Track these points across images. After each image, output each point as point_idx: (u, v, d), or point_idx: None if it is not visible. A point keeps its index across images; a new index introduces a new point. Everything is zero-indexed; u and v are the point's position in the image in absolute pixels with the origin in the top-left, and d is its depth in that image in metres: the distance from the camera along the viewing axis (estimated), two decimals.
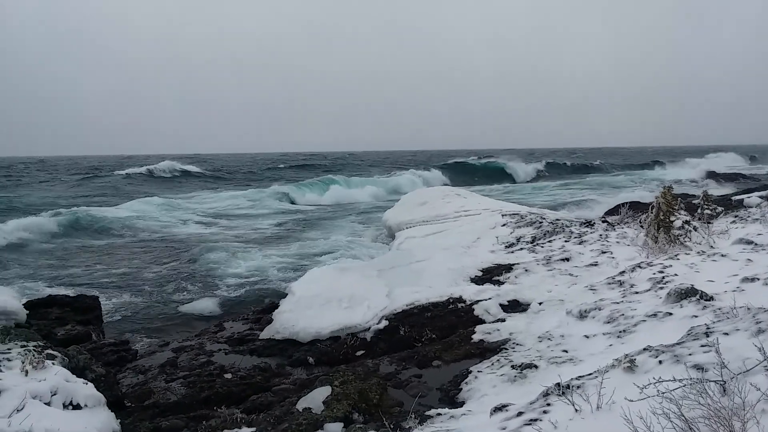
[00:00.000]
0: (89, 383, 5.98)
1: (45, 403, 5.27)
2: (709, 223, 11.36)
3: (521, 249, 12.83)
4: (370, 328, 8.94)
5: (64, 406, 5.45)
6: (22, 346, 6.37)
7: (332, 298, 9.88)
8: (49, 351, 6.43)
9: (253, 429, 5.93)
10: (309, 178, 53.21)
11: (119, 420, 6.08)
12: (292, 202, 39.70)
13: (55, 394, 5.42)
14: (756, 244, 9.03)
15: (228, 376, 7.79)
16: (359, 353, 8.49)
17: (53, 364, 5.96)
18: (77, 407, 5.55)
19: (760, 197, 18.85)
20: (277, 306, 10.37)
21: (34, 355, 5.86)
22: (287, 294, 10.77)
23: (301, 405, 6.19)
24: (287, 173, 68.70)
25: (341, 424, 5.72)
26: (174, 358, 8.86)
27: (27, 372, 5.57)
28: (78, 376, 6.06)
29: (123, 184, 52.40)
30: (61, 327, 9.63)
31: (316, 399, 6.21)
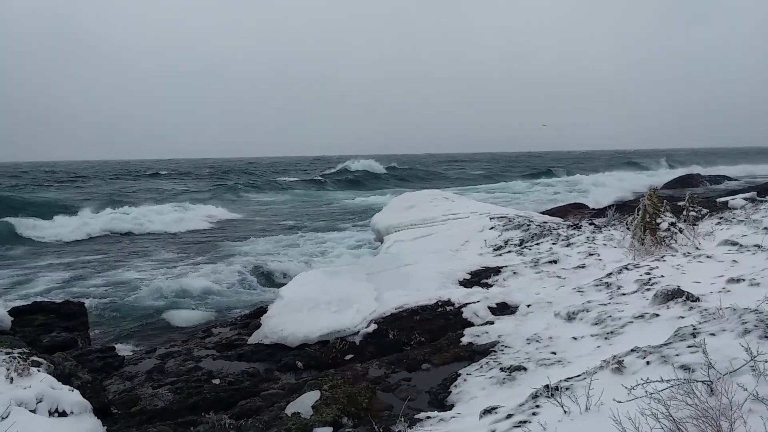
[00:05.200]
0: (75, 390, 5.92)
1: (30, 411, 5.21)
2: (694, 224, 11.45)
3: (509, 252, 12.86)
4: (359, 331, 8.92)
5: (50, 414, 5.39)
6: (6, 353, 6.29)
7: (321, 301, 9.84)
8: (35, 358, 6.36)
9: None
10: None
11: (106, 427, 6.04)
12: None
13: (40, 401, 5.36)
14: (741, 246, 9.12)
15: (216, 381, 7.74)
16: (348, 357, 8.47)
17: (39, 371, 5.89)
18: (63, 414, 5.49)
19: (745, 199, 19.02)
20: (265, 310, 10.32)
21: (19, 362, 5.80)
22: (276, 298, 10.72)
23: (290, 410, 6.16)
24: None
25: (330, 429, 5.70)
26: (161, 364, 8.79)
27: (12, 379, 5.50)
28: (64, 383, 5.99)
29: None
30: (47, 334, 9.52)
31: (305, 404, 6.18)
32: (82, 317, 10.66)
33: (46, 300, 11.93)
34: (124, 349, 10.10)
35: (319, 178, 67.03)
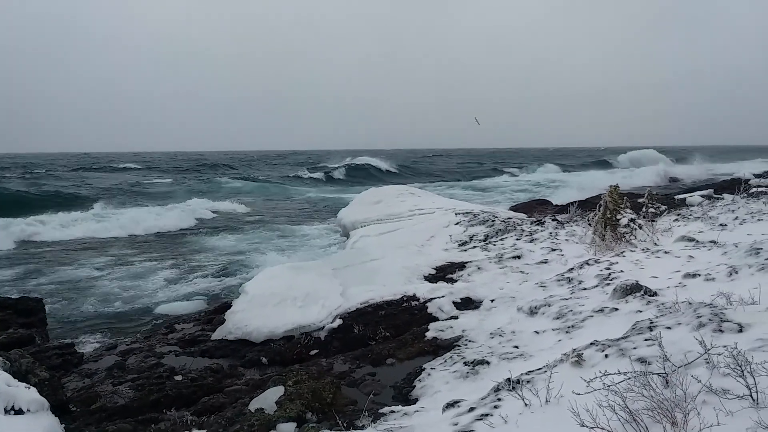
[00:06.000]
0: (32, 387, 5.78)
1: None
2: (653, 221, 11.71)
3: (474, 247, 12.97)
4: (324, 327, 8.91)
5: (6, 411, 5.26)
6: None
7: (286, 297, 9.80)
8: None
9: (204, 431, 5.84)
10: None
11: (64, 425, 5.90)
12: None
13: None
14: (697, 242, 9.35)
15: (178, 378, 7.64)
16: (313, 352, 8.45)
17: None
18: (19, 412, 5.36)
19: (702, 196, 19.53)
20: (229, 306, 10.23)
21: None
22: (240, 294, 10.63)
23: (253, 406, 6.12)
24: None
25: (294, 424, 5.68)
26: (122, 360, 8.65)
27: None
28: (20, 381, 5.84)
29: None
30: (3, 330, 9.28)
31: (268, 399, 6.15)
32: (40, 313, 10.41)
33: (2, 296, 11.60)
34: (83, 346, 9.90)
35: (298, 173, 66.63)
